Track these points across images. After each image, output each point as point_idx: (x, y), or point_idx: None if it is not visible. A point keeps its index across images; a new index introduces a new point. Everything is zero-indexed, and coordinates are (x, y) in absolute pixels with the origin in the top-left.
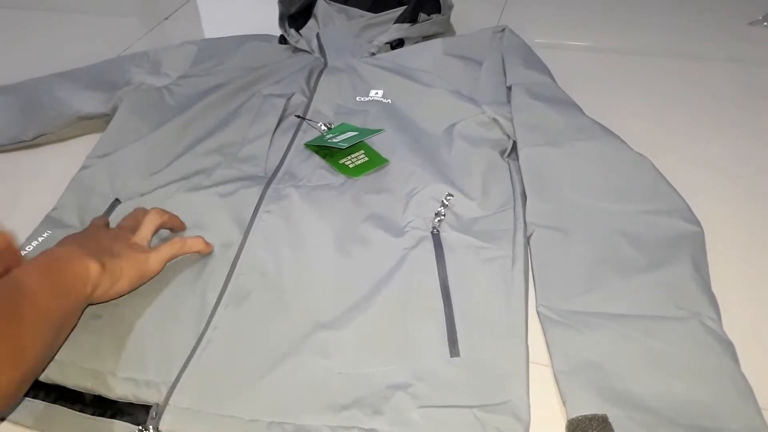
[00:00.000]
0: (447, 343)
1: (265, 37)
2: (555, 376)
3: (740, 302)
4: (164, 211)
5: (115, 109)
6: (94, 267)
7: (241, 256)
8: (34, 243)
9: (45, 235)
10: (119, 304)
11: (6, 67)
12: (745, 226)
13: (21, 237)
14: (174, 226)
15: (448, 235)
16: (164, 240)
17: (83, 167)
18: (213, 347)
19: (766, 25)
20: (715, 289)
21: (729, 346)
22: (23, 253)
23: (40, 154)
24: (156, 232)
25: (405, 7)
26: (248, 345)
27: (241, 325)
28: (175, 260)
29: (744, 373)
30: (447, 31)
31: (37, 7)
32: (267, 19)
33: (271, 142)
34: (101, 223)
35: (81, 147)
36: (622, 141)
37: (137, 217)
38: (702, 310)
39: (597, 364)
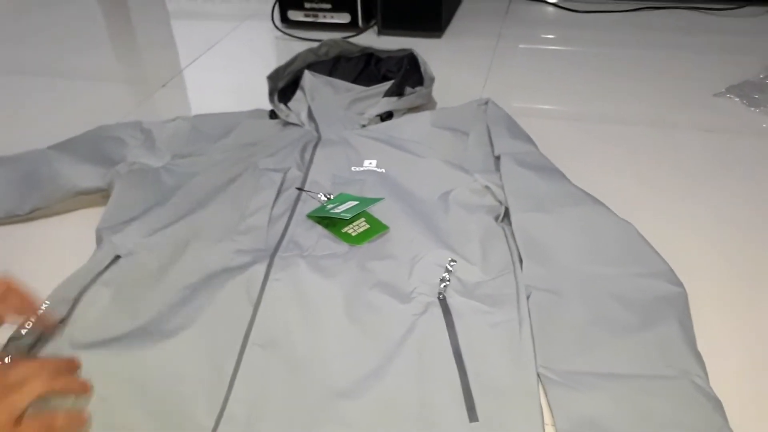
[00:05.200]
0: (465, 408)
1: (256, 113)
2: None
3: (723, 359)
4: (59, 373)
5: (111, 184)
6: None
7: (254, 326)
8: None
9: (43, 307)
10: (127, 388)
11: (5, 133)
12: (723, 285)
13: None
14: (70, 391)
15: (454, 300)
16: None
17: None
18: (235, 423)
19: (728, 97)
20: (699, 346)
21: (717, 403)
22: (23, 331)
23: (36, 228)
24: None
25: (392, 81)
26: (270, 417)
27: (261, 397)
28: (184, 331)
29: (732, 429)
30: (429, 102)
31: (34, 73)
32: (255, 89)
33: (270, 215)
34: None
35: (76, 221)
36: (606, 207)
37: (19, 373)
38: (691, 369)
39: (597, 423)
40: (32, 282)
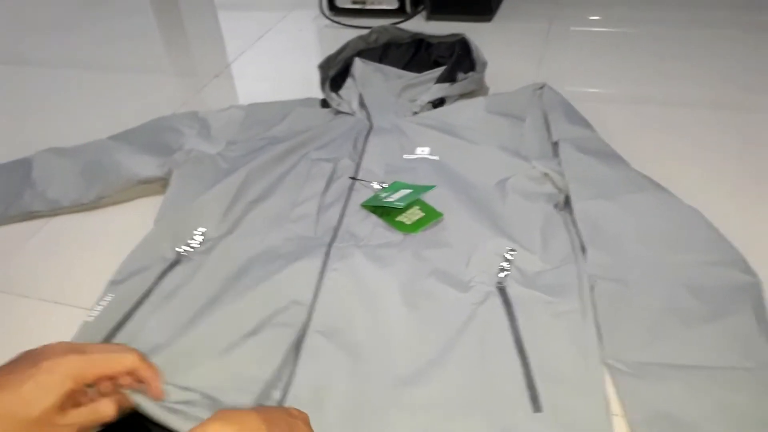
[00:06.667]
0: (529, 398)
1: (307, 102)
2: (630, 426)
3: None
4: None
5: (169, 173)
6: None
7: (314, 315)
8: (99, 308)
9: (108, 298)
10: (193, 368)
11: (66, 126)
12: None
13: (85, 299)
14: None
15: (514, 290)
16: None
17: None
18: (299, 405)
19: None
20: None
21: None
22: (89, 319)
23: (100, 216)
24: None
25: (444, 67)
26: (334, 401)
27: (324, 382)
28: (247, 319)
29: None
30: (482, 88)
31: (91, 67)
32: (305, 78)
33: (320, 204)
34: None
35: (138, 209)
36: (672, 193)
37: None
38: None
39: (671, 415)
40: (96, 267)
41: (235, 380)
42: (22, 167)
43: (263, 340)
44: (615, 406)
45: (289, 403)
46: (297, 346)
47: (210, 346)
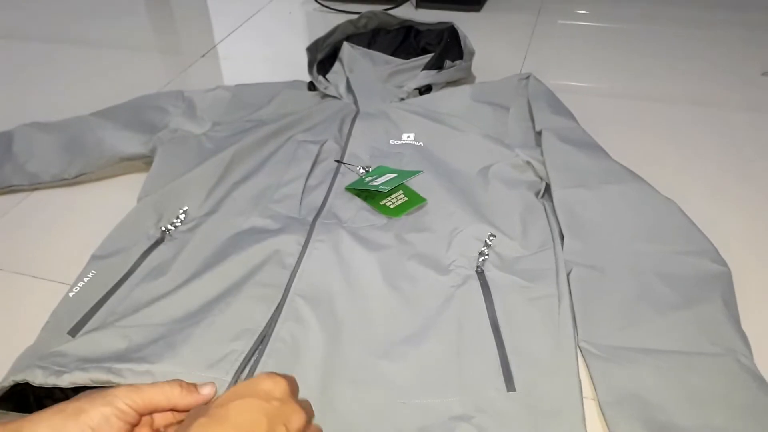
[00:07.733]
0: (503, 378)
1: (294, 84)
2: (600, 407)
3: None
4: None
5: (153, 151)
6: None
7: (296, 279)
8: (81, 284)
9: (90, 274)
10: (170, 329)
11: (48, 101)
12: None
13: (63, 273)
14: None
15: (492, 274)
16: None
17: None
18: (278, 356)
19: None
20: (743, 326)
21: (762, 382)
22: (70, 294)
23: (81, 192)
24: None
25: (432, 54)
26: (309, 358)
27: (301, 341)
28: (231, 277)
29: None
30: (469, 76)
31: (78, 42)
32: (293, 61)
33: (305, 186)
34: None
35: (120, 186)
36: (649, 185)
37: None
38: (736, 347)
39: (640, 397)
40: (75, 243)
41: (222, 332)
42: (3, 140)
43: (249, 297)
44: (587, 390)
45: (267, 353)
46: (279, 304)
47: (195, 302)
